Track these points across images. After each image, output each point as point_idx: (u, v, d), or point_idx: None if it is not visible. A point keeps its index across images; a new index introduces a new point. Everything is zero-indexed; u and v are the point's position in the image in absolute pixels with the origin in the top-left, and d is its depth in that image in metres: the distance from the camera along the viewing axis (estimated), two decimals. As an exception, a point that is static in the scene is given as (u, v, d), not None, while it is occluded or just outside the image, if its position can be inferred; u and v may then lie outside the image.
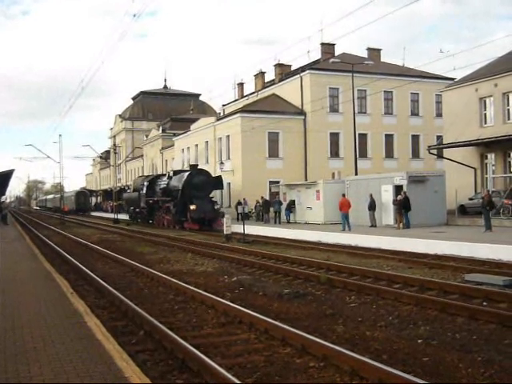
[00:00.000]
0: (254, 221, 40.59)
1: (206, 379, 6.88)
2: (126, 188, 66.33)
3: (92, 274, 16.07)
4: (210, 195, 41.36)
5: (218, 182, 42.20)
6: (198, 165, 45.89)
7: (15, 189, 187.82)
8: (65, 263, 20.22)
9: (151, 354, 8.16)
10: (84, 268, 17.47)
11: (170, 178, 44.38)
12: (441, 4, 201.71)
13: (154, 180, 48.73)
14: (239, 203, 36.69)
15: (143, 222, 50.12)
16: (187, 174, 41.46)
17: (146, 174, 71.95)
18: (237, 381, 6.36)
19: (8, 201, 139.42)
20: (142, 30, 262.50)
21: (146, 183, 48.93)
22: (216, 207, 40.02)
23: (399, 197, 28.61)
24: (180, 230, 39.49)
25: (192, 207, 38.36)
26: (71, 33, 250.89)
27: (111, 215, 63.81)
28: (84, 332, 8.32)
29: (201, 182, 40.15)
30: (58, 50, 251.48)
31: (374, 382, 6.59)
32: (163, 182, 45.05)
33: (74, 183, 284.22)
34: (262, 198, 41.28)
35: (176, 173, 44.85)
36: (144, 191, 48.47)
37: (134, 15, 22.91)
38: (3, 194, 75.27)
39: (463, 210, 32.72)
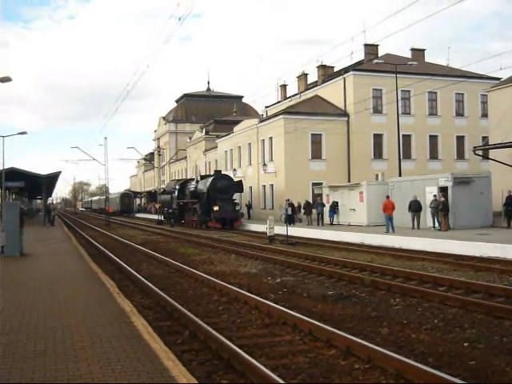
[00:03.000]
0: (296, 222, 40.66)
1: (251, 380, 6.93)
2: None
3: (137, 274, 16.31)
4: (233, 197, 44.80)
5: (239, 186, 46.15)
6: (221, 170, 50.77)
7: (61, 190, 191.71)
8: (110, 263, 20.57)
9: (196, 354, 8.25)
10: (129, 268, 17.74)
11: (197, 182, 47.93)
12: (487, 1, 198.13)
13: (184, 184, 52.18)
14: (290, 204, 37.20)
15: (175, 221, 52.82)
16: (211, 178, 45.12)
17: (189, 175, 73.15)
18: (282, 382, 6.38)
19: (54, 202, 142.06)
20: (186, 33, 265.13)
21: (177, 186, 52.62)
22: (237, 208, 44.23)
23: (442, 199, 28.25)
24: (205, 228, 42.83)
25: (215, 208, 42.12)
26: (116, 37, 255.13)
27: (155, 216, 64.65)
28: (131, 331, 8.47)
29: (223, 186, 44.01)
30: (103, 54, 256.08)
31: (419, 385, 6.54)
32: (192, 186, 48.62)
33: (118, 185, 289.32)
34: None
35: (203, 177, 48.89)
36: (176, 194, 51.97)
37: (179, 19, 23.02)
38: (50, 195, 76.93)
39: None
